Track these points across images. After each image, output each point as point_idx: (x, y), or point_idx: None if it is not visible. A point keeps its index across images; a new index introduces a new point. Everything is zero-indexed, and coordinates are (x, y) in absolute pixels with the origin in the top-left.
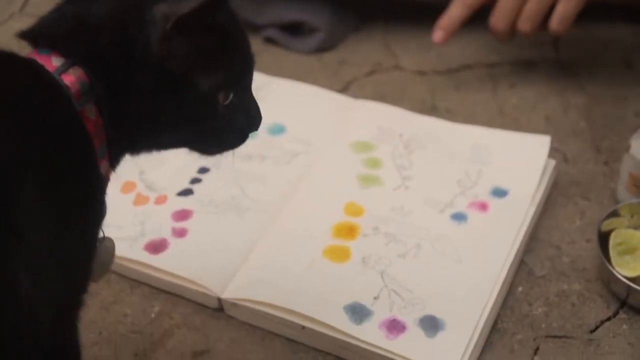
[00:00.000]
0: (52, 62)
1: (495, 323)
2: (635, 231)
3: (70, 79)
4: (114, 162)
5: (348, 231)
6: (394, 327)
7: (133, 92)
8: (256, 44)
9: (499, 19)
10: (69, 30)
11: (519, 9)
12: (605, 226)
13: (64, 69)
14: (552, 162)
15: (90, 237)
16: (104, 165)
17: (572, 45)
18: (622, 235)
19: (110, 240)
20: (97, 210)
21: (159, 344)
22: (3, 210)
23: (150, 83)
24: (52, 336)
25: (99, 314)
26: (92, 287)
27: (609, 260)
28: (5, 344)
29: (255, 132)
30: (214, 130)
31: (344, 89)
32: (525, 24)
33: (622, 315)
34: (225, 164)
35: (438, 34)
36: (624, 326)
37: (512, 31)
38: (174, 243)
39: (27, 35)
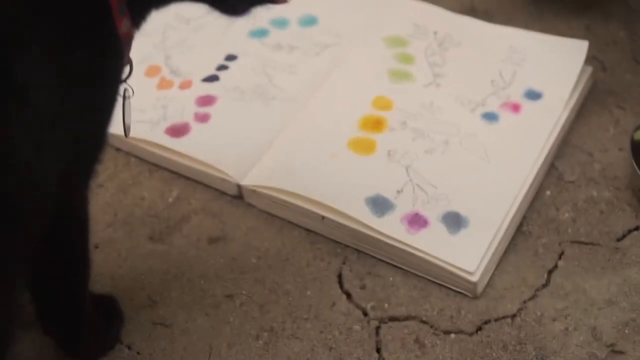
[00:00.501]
0: None
1: (520, 225)
2: None
3: None
4: (137, 19)
5: (375, 124)
6: (416, 221)
7: None
8: None
9: None
10: None
11: None
12: (639, 135)
13: None
14: (589, 69)
15: (106, 101)
16: (124, 23)
17: None
18: None
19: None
20: (114, 72)
21: (175, 228)
22: (3, 69)
23: None
24: (60, 204)
25: (116, 196)
26: (111, 169)
27: None
28: (1, 209)
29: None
30: None
31: None
32: None
33: None
34: (254, 52)
35: None
36: None
37: None
38: (195, 128)
39: None
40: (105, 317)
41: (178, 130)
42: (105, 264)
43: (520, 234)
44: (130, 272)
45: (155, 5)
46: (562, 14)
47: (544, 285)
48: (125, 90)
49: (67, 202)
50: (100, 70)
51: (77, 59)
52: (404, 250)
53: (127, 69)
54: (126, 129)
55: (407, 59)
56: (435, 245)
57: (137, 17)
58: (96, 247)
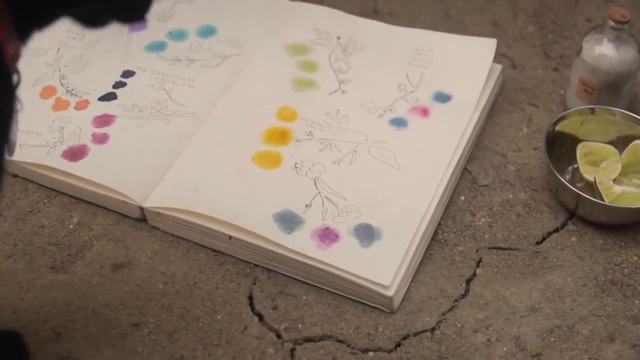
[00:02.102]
0: None
1: (435, 233)
2: (603, 144)
3: None
4: (25, 37)
5: (280, 136)
6: (327, 236)
7: None
8: None
9: None
10: None
11: None
12: (556, 129)
13: None
14: (499, 67)
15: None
16: (12, 46)
17: None
18: (589, 146)
19: None
20: (4, 97)
21: (77, 256)
22: None
23: None
24: None
25: (14, 225)
26: (8, 196)
27: (558, 168)
28: None
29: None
30: None
31: None
32: None
33: (570, 226)
34: (151, 67)
35: None
36: (573, 238)
37: None
38: (94, 150)
39: None
40: (9, 353)
41: (75, 154)
42: (7, 297)
43: (436, 242)
44: (32, 305)
45: (39, 26)
46: (469, 11)
47: (463, 295)
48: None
49: None
50: None
51: None
52: (316, 267)
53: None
54: (10, 147)
55: (311, 66)
56: (347, 260)
57: (24, 36)
58: None
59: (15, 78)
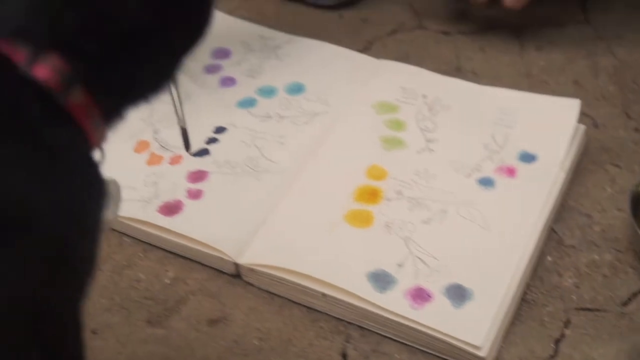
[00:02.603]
0: (18, 50)
1: (524, 294)
2: None
3: (46, 71)
4: (114, 122)
5: (371, 195)
6: (419, 295)
7: (123, 54)
8: (274, 3)
9: None
10: (30, 10)
11: None
12: (638, 194)
13: (35, 59)
14: (582, 127)
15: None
16: (100, 135)
17: (601, 7)
18: None
19: (115, 182)
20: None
21: (173, 310)
22: None
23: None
24: None
25: (111, 279)
26: (104, 250)
27: None
28: None
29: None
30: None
31: (365, 49)
32: None
33: None
34: (243, 123)
35: None
36: None
37: None
38: (189, 205)
39: None
40: None
41: (171, 209)
42: (104, 350)
43: (525, 302)
44: (130, 359)
45: (130, 104)
46: (550, 70)
47: (552, 356)
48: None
49: None
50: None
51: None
52: (409, 327)
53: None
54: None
55: (398, 125)
56: (440, 320)
57: (114, 122)
58: (94, 332)
59: (100, 156)
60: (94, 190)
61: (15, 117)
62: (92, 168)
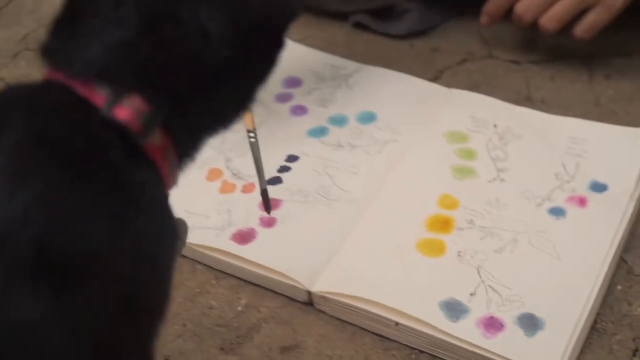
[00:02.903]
0: (97, 92)
1: (594, 323)
2: None
3: (127, 112)
4: (187, 163)
5: (443, 224)
6: (492, 325)
7: (202, 91)
8: (345, 31)
9: (528, 9)
10: (109, 49)
11: (549, 6)
12: None
13: (115, 101)
14: None
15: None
16: (174, 176)
17: None
18: None
19: (183, 222)
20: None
21: (245, 337)
22: None
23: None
24: None
25: (183, 306)
26: (176, 277)
27: None
28: None
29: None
30: None
31: (435, 78)
32: (550, 23)
33: None
34: (314, 152)
35: (484, 19)
36: None
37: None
38: (262, 233)
39: (50, 52)
40: None
41: (244, 237)
42: None
43: (595, 331)
44: None
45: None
46: (618, 99)
47: None
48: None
49: None
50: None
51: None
52: (481, 355)
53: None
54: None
55: (469, 154)
56: (513, 349)
57: (188, 162)
58: (166, 359)
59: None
60: (167, 232)
61: (95, 158)
62: (167, 210)
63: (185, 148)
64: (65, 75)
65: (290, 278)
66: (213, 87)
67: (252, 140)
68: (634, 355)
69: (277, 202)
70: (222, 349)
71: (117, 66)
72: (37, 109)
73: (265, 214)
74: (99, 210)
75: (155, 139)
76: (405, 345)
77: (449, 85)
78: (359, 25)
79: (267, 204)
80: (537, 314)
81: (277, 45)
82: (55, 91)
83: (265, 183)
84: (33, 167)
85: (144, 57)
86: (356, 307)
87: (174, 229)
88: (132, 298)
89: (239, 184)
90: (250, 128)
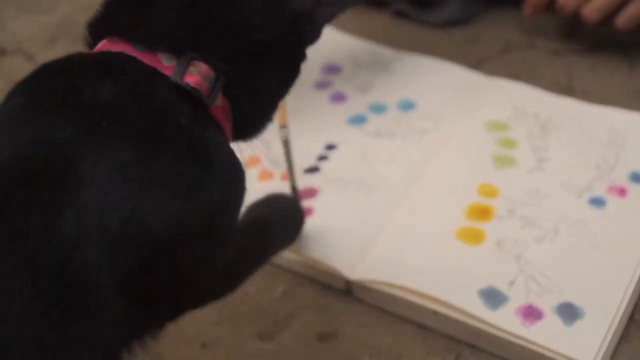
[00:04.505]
0: (163, 62)
1: (632, 314)
2: None
3: (196, 79)
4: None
5: (482, 213)
6: (531, 314)
7: (254, 62)
8: (384, 19)
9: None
10: (171, 20)
11: None
12: None
13: (184, 69)
14: None
15: None
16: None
17: None
18: None
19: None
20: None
21: (283, 324)
22: None
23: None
24: None
25: None
26: None
27: None
28: None
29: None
30: None
31: (475, 67)
32: (592, 13)
33: None
34: (353, 140)
35: (528, 9)
36: None
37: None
38: None
39: (101, 25)
40: None
41: None
42: None
43: (632, 322)
44: None
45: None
46: None
47: None
48: None
49: None
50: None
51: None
52: (520, 345)
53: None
54: None
55: (510, 143)
56: (551, 338)
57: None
58: (204, 346)
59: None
60: (240, 185)
61: (171, 125)
62: (236, 164)
63: (239, 117)
64: (124, 45)
65: (329, 266)
66: (263, 60)
67: (284, 137)
68: None
69: (315, 191)
70: (259, 335)
71: (179, 35)
72: (116, 79)
73: (304, 202)
74: (180, 176)
75: (218, 101)
76: (444, 334)
77: (488, 74)
78: (398, 14)
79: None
80: (576, 303)
81: (300, 55)
82: (119, 59)
83: (296, 180)
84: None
85: (204, 26)
86: (395, 296)
87: (243, 179)
88: (208, 246)
89: (277, 172)
90: (283, 123)
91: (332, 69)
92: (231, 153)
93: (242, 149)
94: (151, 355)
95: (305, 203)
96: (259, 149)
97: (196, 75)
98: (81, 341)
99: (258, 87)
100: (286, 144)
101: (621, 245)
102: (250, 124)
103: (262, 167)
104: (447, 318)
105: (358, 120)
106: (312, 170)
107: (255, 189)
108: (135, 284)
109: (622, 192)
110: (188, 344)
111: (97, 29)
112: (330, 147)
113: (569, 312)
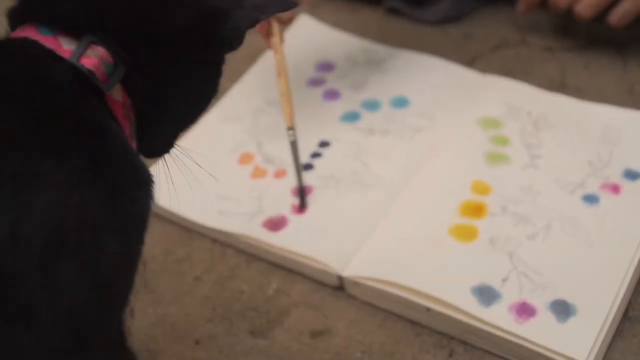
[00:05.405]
0: (62, 45)
1: (626, 311)
2: None
3: (93, 61)
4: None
5: (475, 210)
6: (524, 310)
7: (166, 65)
8: (379, 16)
9: None
10: (77, 4)
11: None
12: None
13: (81, 51)
14: None
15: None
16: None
17: None
18: None
19: None
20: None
21: (276, 322)
22: None
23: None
24: None
25: (213, 290)
26: (207, 261)
27: None
28: None
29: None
30: None
31: (469, 64)
32: (585, 10)
33: None
34: (346, 137)
35: (521, 6)
36: None
37: (570, 11)
38: (293, 220)
39: (18, 13)
40: None
41: (276, 224)
42: None
43: (626, 319)
44: None
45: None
46: None
47: None
48: None
49: None
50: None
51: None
52: (513, 341)
53: None
54: None
55: (503, 140)
56: (544, 335)
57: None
58: (197, 343)
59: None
60: (142, 174)
61: (60, 103)
62: (136, 157)
63: (147, 115)
64: (30, 30)
65: (322, 263)
66: (165, 56)
67: (292, 139)
68: None
69: (309, 189)
70: (252, 333)
71: (81, 18)
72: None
73: (296, 200)
74: (67, 151)
75: (116, 95)
76: (436, 331)
77: (482, 71)
78: (392, 11)
79: (303, 202)
80: (569, 300)
81: (216, 58)
82: (18, 44)
83: (303, 181)
84: None
85: (107, 10)
86: (387, 292)
87: (148, 179)
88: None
89: (271, 170)
90: (290, 125)
91: (326, 66)
92: (129, 146)
93: (236, 146)
94: (144, 352)
95: (299, 201)
96: (252, 145)
97: (93, 58)
98: None
99: (162, 87)
100: (293, 145)
101: (614, 242)
102: (155, 133)
103: (255, 164)
104: (440, 315)
105: (351, 117)
106: (306, 167)
107: (249, 187)
108: None
109: (615, 189)
110: (181, 341)
111: (14, 17)
112: (324, 144)
113: (562, 309)
